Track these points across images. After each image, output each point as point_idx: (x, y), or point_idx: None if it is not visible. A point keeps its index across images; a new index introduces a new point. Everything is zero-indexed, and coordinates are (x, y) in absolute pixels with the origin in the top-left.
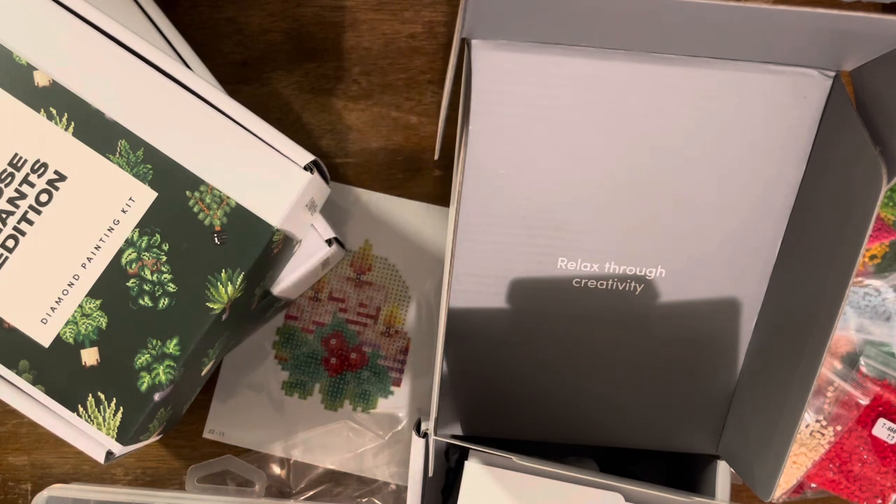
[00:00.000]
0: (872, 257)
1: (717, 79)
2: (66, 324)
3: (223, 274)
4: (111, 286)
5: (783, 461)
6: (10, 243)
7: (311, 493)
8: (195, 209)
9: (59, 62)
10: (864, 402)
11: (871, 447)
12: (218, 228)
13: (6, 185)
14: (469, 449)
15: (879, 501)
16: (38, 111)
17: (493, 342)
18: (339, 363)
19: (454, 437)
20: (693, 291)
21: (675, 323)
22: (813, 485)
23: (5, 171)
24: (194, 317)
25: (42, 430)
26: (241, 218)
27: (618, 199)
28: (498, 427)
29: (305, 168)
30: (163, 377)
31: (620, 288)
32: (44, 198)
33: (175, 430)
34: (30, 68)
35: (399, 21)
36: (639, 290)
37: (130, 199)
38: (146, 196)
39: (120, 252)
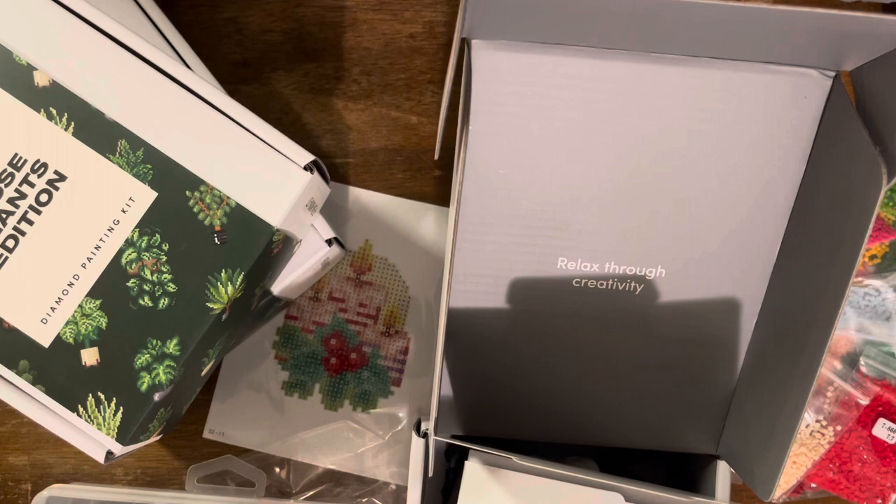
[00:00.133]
0: (872, 257)
1: (716, 79)
2: (66, 324)
3: (223, 274)
4: (111, 286)
5: (783, 461)
6: (10, 243)
7: (311, 493)
8: (195, 209)
9: (59, 62)
10: (864, 402)
11: (871, 447)
12: (218, 228)
13: (6, 185)
14: (469, 449)
15: (879, 501)
16: (38, 111)
17: (493, 342)
18: (339, 363)
19: (454, 437)
20: (693, 291)
21: (675, 323)
22: (813, 485)
23: (5, 171)
24: (194, 317)
25: (42, 430)
26: (241, 218)
27: (618, 199)
28: (498, 427)
29: (305, 168)
30: (163, 377)
31: (620, 288)
32: (44, 198)
33: (175, 430)
34: (30, 68)
35: (399, 21)
36: (639, 290)
37: (130, 199)
38: (146, 196)
39: (120, 252)
